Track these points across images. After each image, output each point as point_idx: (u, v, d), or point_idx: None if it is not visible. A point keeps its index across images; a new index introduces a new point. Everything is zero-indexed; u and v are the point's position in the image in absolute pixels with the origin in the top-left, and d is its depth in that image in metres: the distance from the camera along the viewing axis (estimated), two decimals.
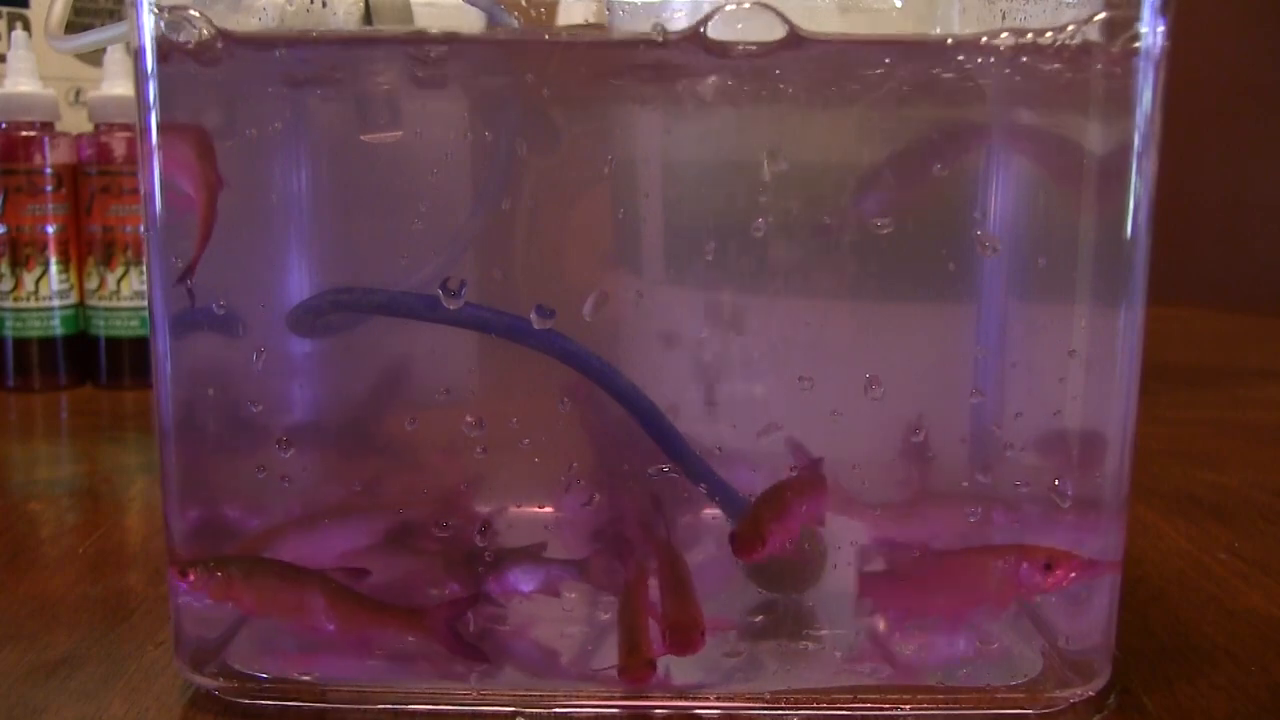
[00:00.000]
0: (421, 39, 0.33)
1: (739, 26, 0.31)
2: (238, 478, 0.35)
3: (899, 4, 0.36)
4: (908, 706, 0.33)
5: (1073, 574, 0.33)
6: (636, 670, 0.32)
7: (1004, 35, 0.31)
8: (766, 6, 0.30)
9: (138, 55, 0.32)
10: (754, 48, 0.31)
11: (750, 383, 0.35)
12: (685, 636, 0.32)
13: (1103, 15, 0.31)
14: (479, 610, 0.35)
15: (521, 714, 0.33)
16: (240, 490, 0.36)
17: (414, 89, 0.34)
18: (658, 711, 0.33)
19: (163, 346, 0.33)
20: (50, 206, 0.79)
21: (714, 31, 0.31)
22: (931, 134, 0.34)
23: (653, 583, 0.34)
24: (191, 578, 0.33)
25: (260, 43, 0.34)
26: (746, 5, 0.30)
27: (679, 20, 0.31)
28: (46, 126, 0.80)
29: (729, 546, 0.33)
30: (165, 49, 0.32)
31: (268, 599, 0.34)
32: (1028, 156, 0.34)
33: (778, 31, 0.30)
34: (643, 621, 0.33)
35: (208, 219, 0.32)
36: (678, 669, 0.34)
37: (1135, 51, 0.31)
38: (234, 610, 0.34)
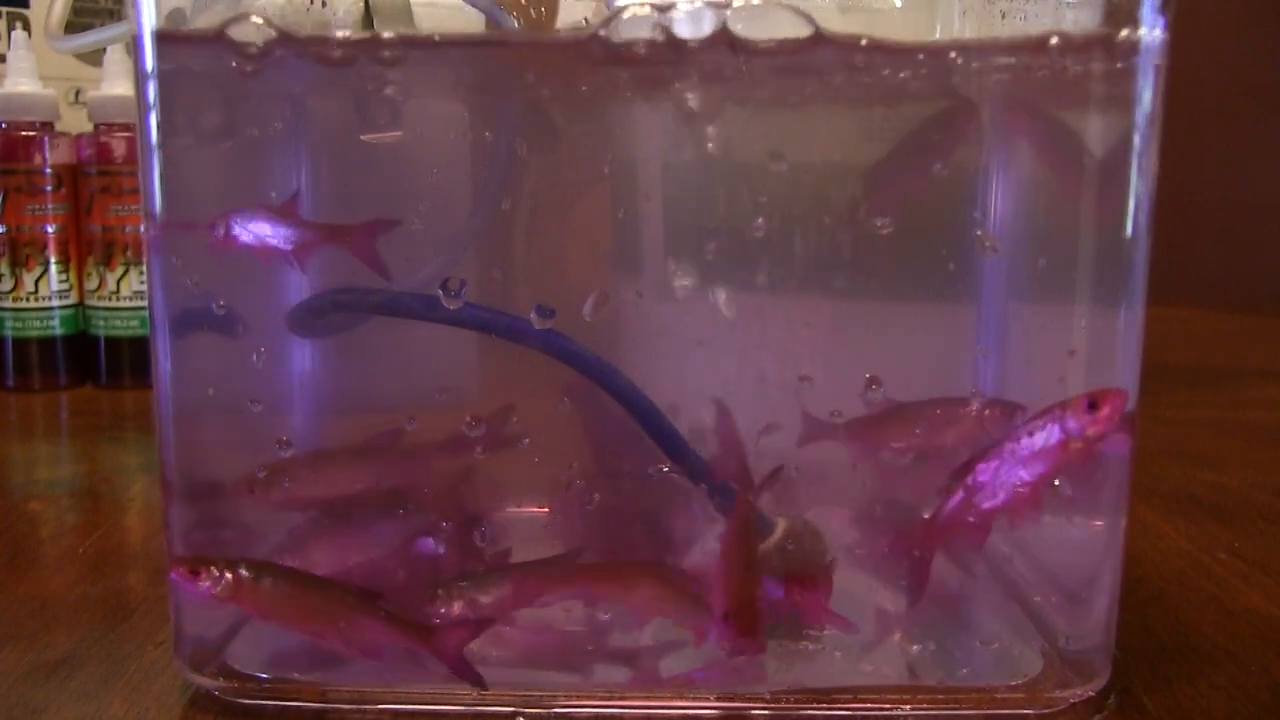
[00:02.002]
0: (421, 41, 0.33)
1: (739, 27, 0.31)
2: (238, 478, 0.35)
3: (899, 3, 0.36)
4: (908, 706, 0.33)
5: (1118, 408, 0.32)
6: (750, 620, 0.30)
7: (1007, 37, 0.31)
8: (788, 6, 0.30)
9: (138, 55, 0.32)
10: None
11: (750, 382, 0.35)
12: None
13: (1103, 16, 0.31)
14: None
15: (521, 714, 0.33)
16: (241, 491, 0.36)
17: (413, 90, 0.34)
18: (657, 711, 0.33)
19: (163, 346, 0.33)
20: (50, 206, 0.79)
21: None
22: (932, 129, 0.34)
23: None
24: (201, 577, 0.32)
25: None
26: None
27: (680, 20, 0.31)
28: (46, 126, 0.80)
29: None
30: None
31: (277, 604, 0.33)
32: (1030, 145, 0.34)
33: (802, 30, 0.30)
34: (753, 577, 0.32)
35: None
36: (678, 668, 0.34)
37: (1135, 51, 0.31)
38: (236, 611, 0.34)
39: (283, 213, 0.33)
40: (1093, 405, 0.32)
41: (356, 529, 0.36)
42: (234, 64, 0.32)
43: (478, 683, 0.33)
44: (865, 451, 0.34)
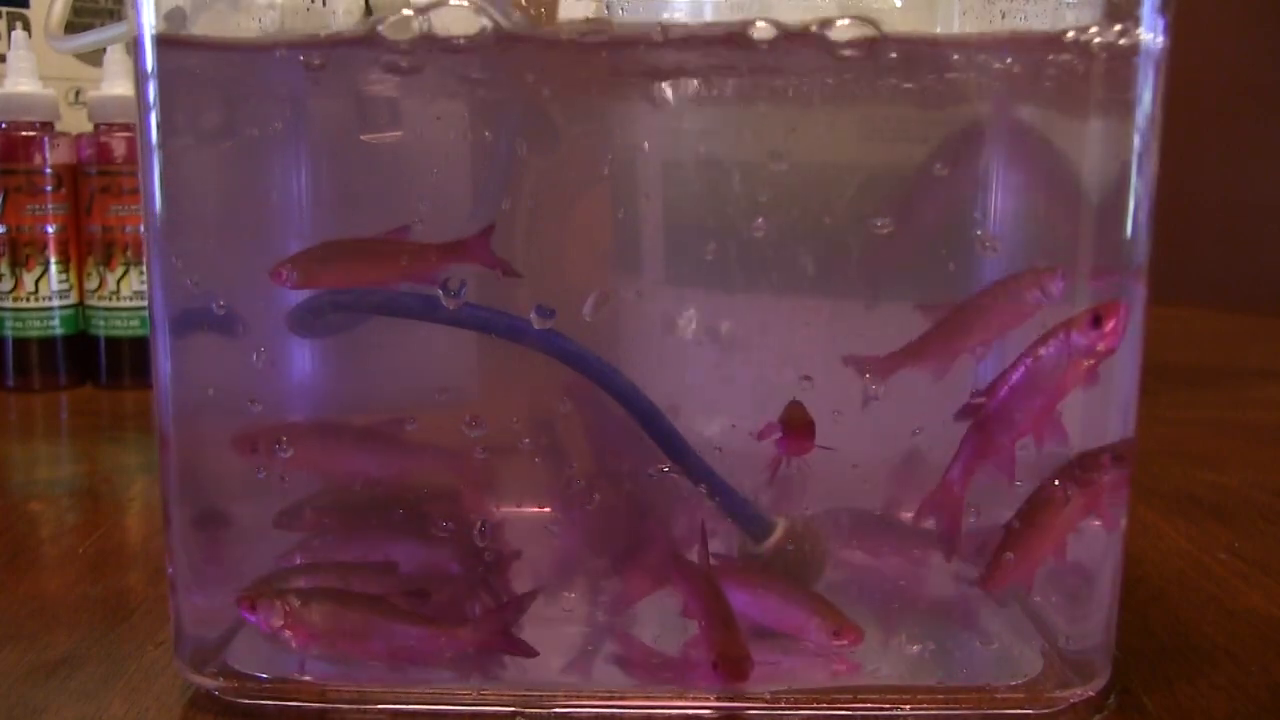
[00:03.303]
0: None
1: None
2: (237, 478, 0.35)
3: (899, 3, 0.36)
4: (908, 706, 0.33)
5: (1122, 320, 0.32)
6: (738, 665, 0.32)
7: (1003, 34, 0.31)
8: None
9: (138, 55, 0.32)
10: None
11: (750, 382, 0.35)
12: None
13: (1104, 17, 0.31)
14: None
15: (521, 714, 0.33)
16: (240, 491, 0.36)
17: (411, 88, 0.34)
18: (657, 711, 0.33)
19: (163, 346, 0.33)
20: (50, 206, 0.79)
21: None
22: (945, 144, 0.34)
23: None
24: (259, 610, 0.33)
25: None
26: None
27: (679, 19, 0.31)
28: (46, 126, 0.80)
29: None
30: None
31: (329, 628, 0.33)
32: (1027, 161, 0.34)
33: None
34: (730, 611, 0.33)
35: None
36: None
37: (1135, 51, 0.31)
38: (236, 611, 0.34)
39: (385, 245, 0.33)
40: (1097, 320, 0.32)
41: (362, 535, 0.36)
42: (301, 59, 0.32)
43: (530, 653, 0.34)
44: (940, 365, 0.34)
